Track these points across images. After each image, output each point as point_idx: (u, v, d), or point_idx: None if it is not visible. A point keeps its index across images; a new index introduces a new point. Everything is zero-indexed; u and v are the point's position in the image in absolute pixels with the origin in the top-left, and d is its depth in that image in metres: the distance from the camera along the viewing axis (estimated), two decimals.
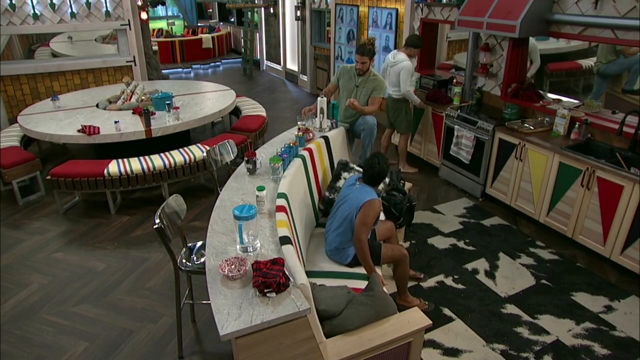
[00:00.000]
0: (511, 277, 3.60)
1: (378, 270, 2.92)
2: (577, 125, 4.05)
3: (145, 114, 4.90)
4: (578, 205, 3.78)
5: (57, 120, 5.18)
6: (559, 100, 4.57)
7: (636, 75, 4.09)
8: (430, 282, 3.53)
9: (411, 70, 4.98)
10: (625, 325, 3.08)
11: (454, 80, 5.41)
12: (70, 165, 4.53)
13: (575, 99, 4.53)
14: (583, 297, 3.36)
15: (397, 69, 5.03)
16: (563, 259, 3.83)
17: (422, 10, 5.87)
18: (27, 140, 5.56)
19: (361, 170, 3.50)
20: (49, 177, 4.39)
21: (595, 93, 4.42)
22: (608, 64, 4.26)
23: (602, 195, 3.59)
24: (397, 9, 6.37)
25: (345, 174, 3.45)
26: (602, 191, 3.58)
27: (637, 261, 3.44)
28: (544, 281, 3.55)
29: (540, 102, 4.54)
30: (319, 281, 2.55)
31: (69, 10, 6.80)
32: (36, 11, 6.59)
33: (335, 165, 3.66)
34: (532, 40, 4.72)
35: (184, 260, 2.83)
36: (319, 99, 4.04)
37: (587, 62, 4.66)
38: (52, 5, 6.65)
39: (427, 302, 3.24)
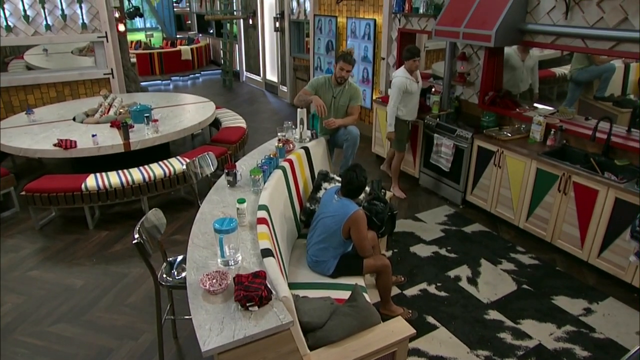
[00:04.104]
0: (493, 283, 3.64)
1: (361, 280, 2.92)
2: (552, 132, 4.15)
3: (123, 127, 4.83)
4: (556, 210, 3.85)
5: (32, 134, 5.07)
6: (535, 107, 4.68)
7: (607, 82, 4.22)
8: (413, 291, 3.54)
9: (401, 86, 4.70)
10: (604, 327, 3.14)
11: (433, 89, 5.49)
12: (46, 180, 4.43)
13: (550, 106, 4.63)
14: (563, 301, 3.41)
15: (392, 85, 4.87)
16: (543, 263, 3.89)
17: (399, 20, 5.96)
18: (1, 155, 5.42)
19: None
20: (23, 193, 4.28)
21: (569, 100, 4.54)
22: (580, 70, 4.38)
23: (578, 200, 3.66)
24: (375, 20, 6.45)
25: (325, 185, 3.46)
26: (579, 196, 3.65)
27: (614, 263, 3.52)
28: (525, 286, 3.59)
29: (517, 109, 4.64)
30: (301, 293, 2.53)
31: (44, 23, 6.70)
32: (9, 23, 6.47)
33: (316, 176, 3.66)
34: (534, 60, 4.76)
35: (164, 275, 2.78)
36: (298, 109, 4.05)
37: (560, 70, 4.78)
38: (26, 17, 6.53)
39: (410, 311, 3.25)
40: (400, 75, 4.75)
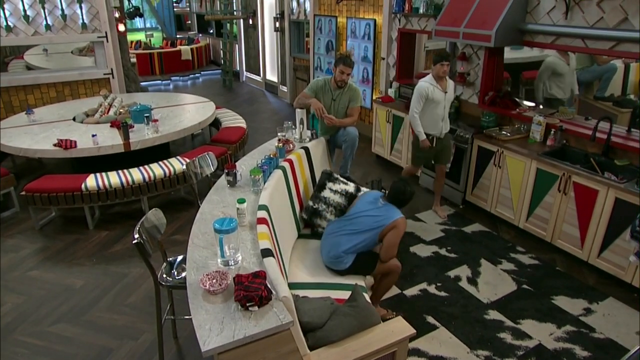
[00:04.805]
0: (493, 283, 3.63)
1: (361, 280, 2.92)
2: (552, 132, 4.15)
3: (123, 127, 4.83)
4: (556, 210, 3.85)
5: (32, 134, 5.07)
6: (535, 107, 4.67)
7: (607, 82, 4.22)
8: (413, 291, 3.54)
9: (421, 92, 4.20)
10: (604, 327, 3.14)
11: None
12: (46, 180, 4.43)
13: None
14: (563, 301, 3.41)
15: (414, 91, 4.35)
16: (543, 263, 3.89)
17: (399, 20, 5.96)
18: (1, 155, 5.42)
19: (345, 180, 3.51)
20: (23, 193, 4.28)
21: (569, 100, 4.53)
22: (581, 71, 4.38)
23: (578, 200, 3.66)
24: (375, 20, 6.45)
25: (330, 184, 3.45)
26: (578, 196, 3.65)
27: (614, 263, 3.51)
28: (525, 286, 3.59)
29: (517, 109, 4.64)
30: (301, 293, 2.53)
31: (44, 23, 6.70)
32: (9, 23, 6.47)
33: (318, 176, 3.66)
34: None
35: (164, 275, 2.78)
36: (298, 110, 4.04)
37: None
38: (26, 17, 6.53)
39: (394, 313, 3.22)
40: (424, 80, 4.28)
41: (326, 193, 3.40)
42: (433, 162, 4.66)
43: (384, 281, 3.10)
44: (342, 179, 3.54)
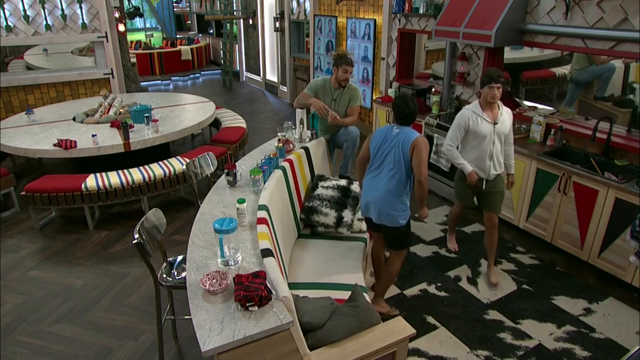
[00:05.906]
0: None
1: (361, 280, 2.91)
2: (552, 132, 4.15)
3: (123, 127, 4.83)
4: (556, 210, 3.85)
5: (32, 134, 5.08)
6: (535, 107, 4.68)
7: (607, 82, 4.22)
8: (413, 291, 3.54)
9: (461, 122, 3.41)
10: (604, 327, 3.14)
11: (433, 89, 5.49)
12: (46, 180, 4.43)
13: (550, 106, 4.63)
14: (563, 301, 3.41)
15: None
16: (543, 263, 3.89)
17: (399, 20, 5.95)
18: (1, 155, 5.42)
19: (338, 180, 3.52)
20: (23, 193, 4.28)
21: (569, 100, 4.54)
22: (580, 71, 4.38)
23: (578, 200, 3.66)
24: (375, 20, 6.45)
25: (321, 183, 3.47)
26: (578, 196, 3.65)
27: (614, 263, 3.51)
28: (525, 286, 3.59)
29: (517, 109, 4.63)
30: (301, 293, 2.53)
31: (44, 23, 6.70)
32: (9, 23, 6.47)
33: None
34: None
35: (164, 275, 2.78)
36: (298, 109, 4.04)
37: (561, 70, 4.78)
38: (26, 17, 6.54)
39: (397, 310, 3.23)
40: (467, 107, 3.49)
41: (319, 191, 3.42)
42: (477, 204, 3.77)
43: (388, 269, 3.12)
44: (334, 178, 3.55)
